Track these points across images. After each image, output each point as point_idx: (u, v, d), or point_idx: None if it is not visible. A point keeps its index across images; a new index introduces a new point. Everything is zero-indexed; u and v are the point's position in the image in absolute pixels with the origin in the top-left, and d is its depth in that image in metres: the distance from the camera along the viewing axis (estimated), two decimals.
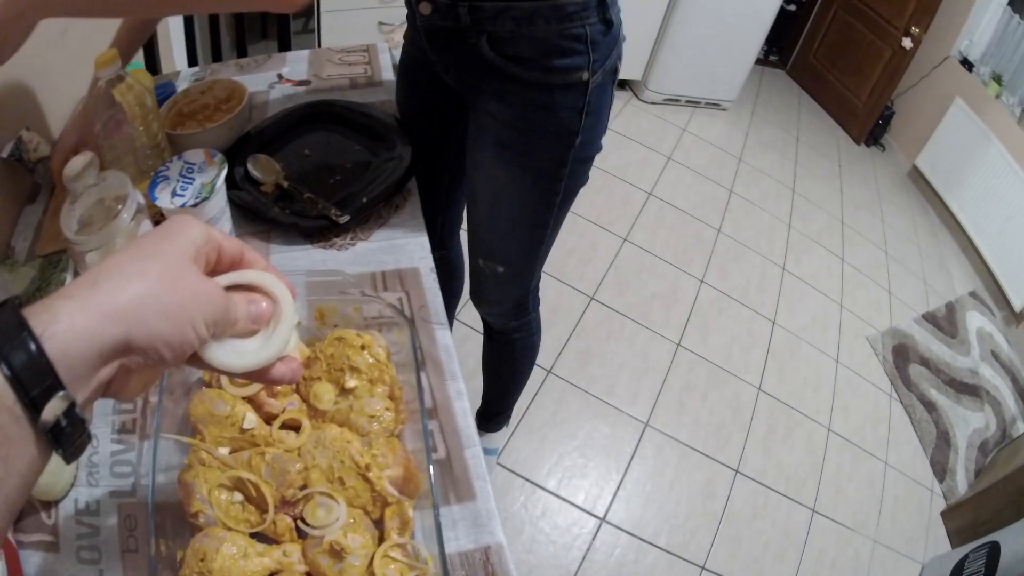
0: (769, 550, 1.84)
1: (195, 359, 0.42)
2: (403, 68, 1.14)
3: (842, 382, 2.38)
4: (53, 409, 0.31)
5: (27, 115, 1.04)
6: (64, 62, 1.15)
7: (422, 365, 0.69)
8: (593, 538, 1.71)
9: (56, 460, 0.35)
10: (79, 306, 0.33)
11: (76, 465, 0.69)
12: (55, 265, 0.87)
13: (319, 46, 2.35)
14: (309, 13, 2.43)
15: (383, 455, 0.64)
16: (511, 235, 1.12)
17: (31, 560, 0.64)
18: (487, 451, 1.70)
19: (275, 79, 1.27)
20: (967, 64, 3.33)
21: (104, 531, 0.67)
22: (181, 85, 1.16)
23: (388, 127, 1.10)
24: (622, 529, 1.75)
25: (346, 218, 0.94)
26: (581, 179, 1.03)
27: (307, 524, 0.61)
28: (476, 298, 1.30)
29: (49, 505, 0.68)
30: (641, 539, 1.74)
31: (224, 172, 0.86)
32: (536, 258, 1.16)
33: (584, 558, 1.67)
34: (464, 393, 0.78)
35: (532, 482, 1.76)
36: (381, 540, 0.62)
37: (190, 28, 1.60)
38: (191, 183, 0.84)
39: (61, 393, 0.32)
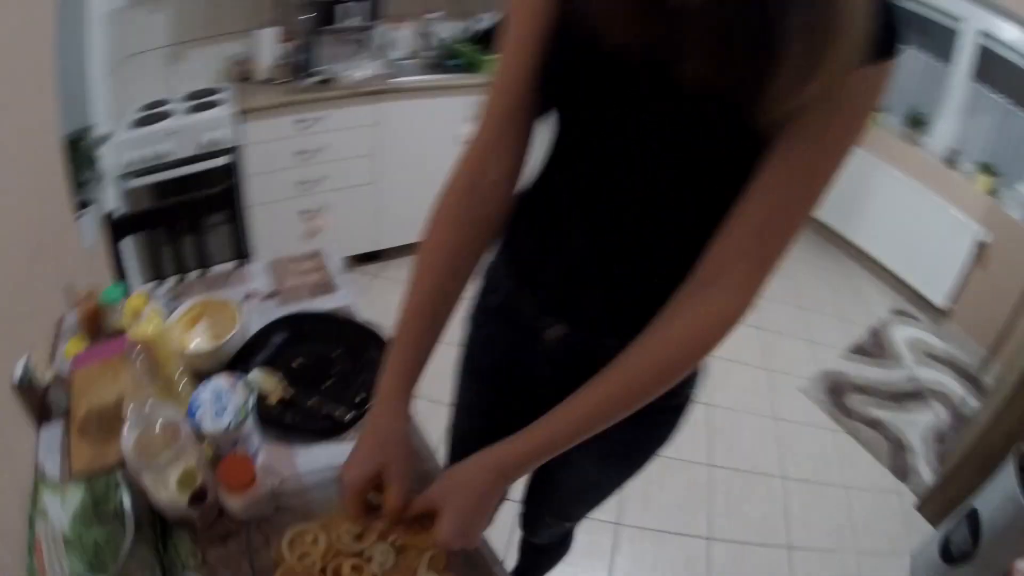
0: None
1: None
2: (475, 358, 1.07)
3: (785, 435, 2.63)
4: None
5: (25, 340, 1.08)
6: (40, 285, 1.23)
7: None
8: None
9: None
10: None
11: None
12: (106, 483, 0.92)
13: None
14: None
15: None
16: (593, 502, 1.15)
17: None
18: None
19: (243, 296, 1.34)
20: None
21: None
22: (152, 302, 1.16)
23: (357, 330, 1.24)
24: None
25: (351, 415, 1.07)
26: None
27: None
28: (529, 530, 1.34)
29: None
30: None
31: (253, 395, 0.96)
32: None
33: None
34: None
35: None
36: None
37: (155, 247, 1.73)
38: (225, 407, 0.92)
39: None
